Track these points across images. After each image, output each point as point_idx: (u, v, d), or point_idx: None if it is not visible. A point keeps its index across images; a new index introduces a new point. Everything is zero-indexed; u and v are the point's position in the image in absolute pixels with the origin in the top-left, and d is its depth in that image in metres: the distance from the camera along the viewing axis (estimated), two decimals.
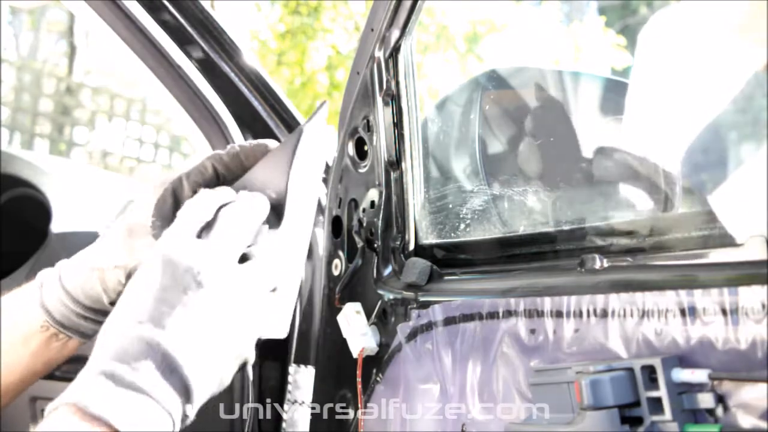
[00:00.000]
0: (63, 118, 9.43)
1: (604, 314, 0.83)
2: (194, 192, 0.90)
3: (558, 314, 0.88)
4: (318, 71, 8.20)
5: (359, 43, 1.23)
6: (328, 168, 1.32)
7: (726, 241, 0.82)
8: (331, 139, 0.96)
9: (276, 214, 0.87)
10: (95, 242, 0.92)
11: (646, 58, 1.07)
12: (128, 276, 0.89)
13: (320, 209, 1.45)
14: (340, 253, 1.23)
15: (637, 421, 0.77)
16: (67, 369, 0.98)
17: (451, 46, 8.48)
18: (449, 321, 1.03)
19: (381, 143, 1.19)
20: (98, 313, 0.92)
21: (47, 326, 0.91)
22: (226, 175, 0.92)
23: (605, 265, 0.90)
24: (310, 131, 0.90)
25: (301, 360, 1.39)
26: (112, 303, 0.90)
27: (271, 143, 0.92)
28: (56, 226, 1.74)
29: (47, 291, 0.91)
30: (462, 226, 1.21)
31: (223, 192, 0.85)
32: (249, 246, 0.82)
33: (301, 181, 0.89)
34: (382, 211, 1.18)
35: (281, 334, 0.87)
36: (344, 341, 1.15)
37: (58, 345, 0.93)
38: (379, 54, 1.19)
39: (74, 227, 1.74)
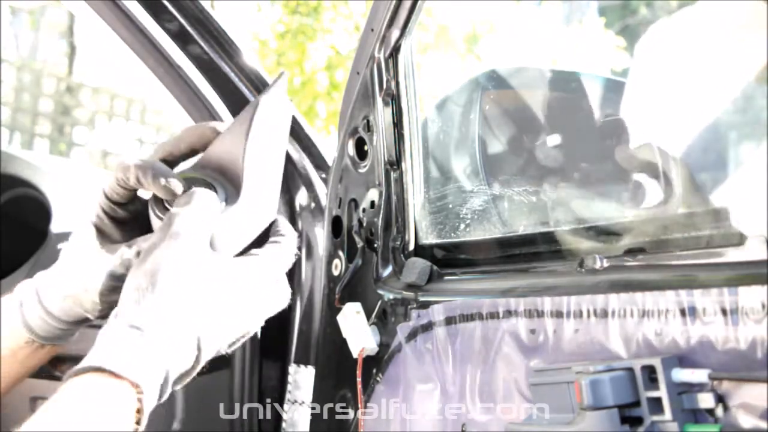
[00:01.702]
0: (63, 118, 9.43)
1: (604, 314, 0.83)
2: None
3: (558, 314, 0.88)
4: (318, 71, 8.19)
5: (359, 43, 1.23)
6: (328, 168, 1.32)
7: (726, 241, 0.82)
8: (291, 109, 0.94)
9: (234, 188, 0.87)
10: (61, 260, 0.92)
11: (646, 65, 1.07)
12: (101, 294, 0.89)
13: (320, 209, 1.45)
14: (340, 253, 1.23)
15: (637, 421, 0.77)
16: (67, 369, 0.99)
17: (451, 47, 8.48)
18: (449, 321, 1.03)
19: (381, 143, 1.19)
20: (83, 324, 0.93)
21: (32, 341, 0.92)
22: (170, 160, 0.92)
23: (605, 265, 0.90)
24: (266, 103, 0.88)
25: (301, 360, 1.39)
26: (100, 317, 0.91)
27: (218, 124, 0.92)
28: (56, 226, 1.74)
29: (28, 311, 0.91)
30: (462, 226, 1.21)
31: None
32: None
33: (258, 154, 0.87)
34: (382, 211, 1.18)
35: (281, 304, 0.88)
36: (344, 341, 1.15)
37: (46, 350, 0.93)
38: (379, 54, 1.19)
39: (74, 227, 1.74)
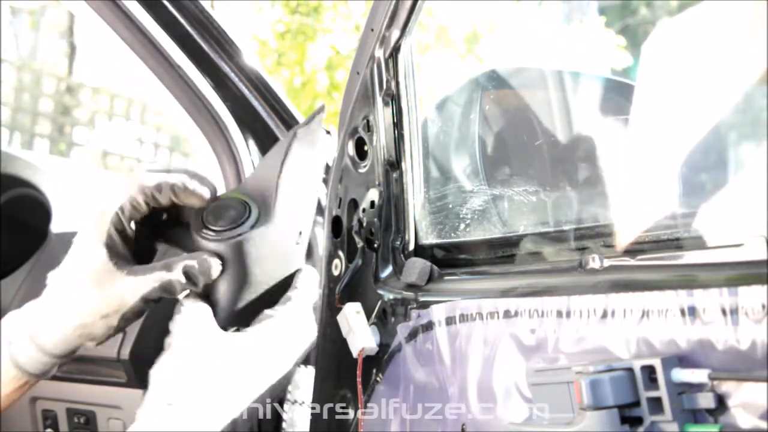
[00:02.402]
0: (63, 118, 9.43)
1: (604, 314, 0.83)
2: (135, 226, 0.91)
3: (558, 314, 0.88)
4: (318, 71, 8.19)
5: (359, 43, 1.23)
6: (328, 168, 1.32)
7: (726, 241, 0.82)
8: (329, 142, 1.01)
9: (266, 212, 0.92)
10: (52, 292, 0.89)
11: (652, 68, 1.07)
12: (123, 318, 0.88)
13: (320, 209, 1.45)
14: (340, 253, 1.23)
15: (637, 421, 0.77)
16: (68, 369, 0.98)
17: (451, 47, 8.47)
18: (449, 321, 1.03)
19: (381, 143, 1.19)
20: (75, 353, 0.91)
21: (19, 377, 0.89)
22: (157, 207, 0.91)
23: (605, 265, 0.90)
24: (303, 134, 0.95)
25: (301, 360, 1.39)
26: (100, 343, 0.90)
27: (205, 182, 0.93)
28: (56, 226, 1.74)
29: (18, 349, 0.88)
30: (462, 226, 1.21)
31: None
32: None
33: (292, 180, 0.94)
34: (382, 211, 1.18)
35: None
36: (344, 341, 1.15)
37: (31, 383, 0.91)
38: (379, 54, 1.19)
39: (74, 227, 1.74)
